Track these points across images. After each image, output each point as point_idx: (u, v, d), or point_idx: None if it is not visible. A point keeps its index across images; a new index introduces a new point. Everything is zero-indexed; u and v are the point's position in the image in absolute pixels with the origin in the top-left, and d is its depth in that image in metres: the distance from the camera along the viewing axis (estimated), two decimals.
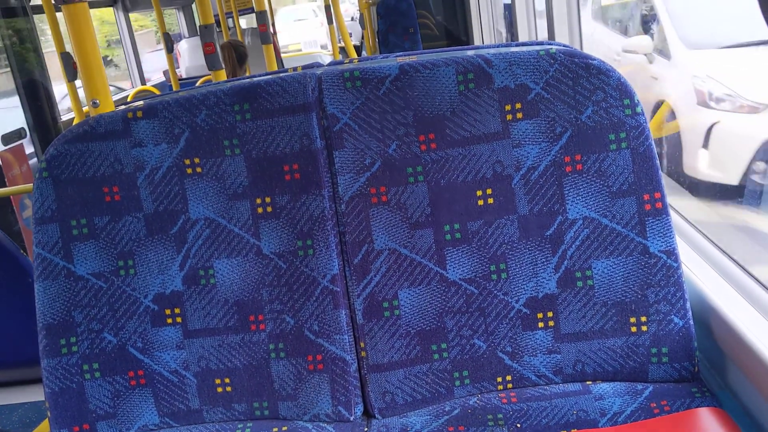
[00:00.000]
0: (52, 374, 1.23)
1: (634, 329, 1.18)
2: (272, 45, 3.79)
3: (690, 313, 1.17)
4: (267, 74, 1.28)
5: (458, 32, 6.33)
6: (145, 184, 1.22)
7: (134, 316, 1.23)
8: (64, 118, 5.25)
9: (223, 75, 2.82)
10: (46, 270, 1.22)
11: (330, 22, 6.30)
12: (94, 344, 1.23)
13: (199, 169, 1.21)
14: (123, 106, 1.27)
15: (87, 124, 1.23)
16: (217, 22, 6.02)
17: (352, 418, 1.23)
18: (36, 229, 1.22)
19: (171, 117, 1.21)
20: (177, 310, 1.23)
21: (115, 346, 1.24)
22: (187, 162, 1.21)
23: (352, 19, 12.69)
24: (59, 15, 3.97)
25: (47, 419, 2.52)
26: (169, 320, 1.24)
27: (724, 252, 1.34)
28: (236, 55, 4.58)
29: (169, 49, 5.68)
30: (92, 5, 6.64)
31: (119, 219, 1.22)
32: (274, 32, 7.47)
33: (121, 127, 1.21)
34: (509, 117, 1.18)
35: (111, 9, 7.23)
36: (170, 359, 1.24)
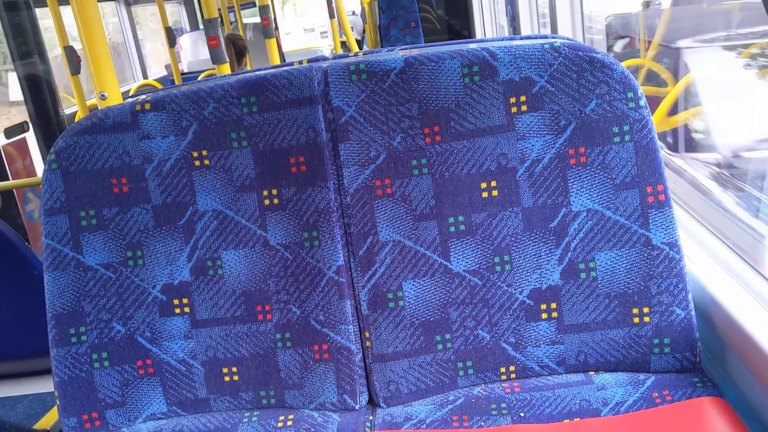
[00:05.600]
0: (62, 363, 1.25)
1: (636, 320, 1.19)
2: (275, 39, 3.80)
3: (692, 304, 1.19)
4: (273, 67, 1.29)
5: (460, 26, 6.33)
6: (154, 176, 1.23)
7: (142, 306, 1.25)
8: (67, 111, 5.26)
9: (227, 68, 2.83)
10: (55, 260, 1.24)
11: (332, 16, 6.31)
12: (102, 334, 1.25)
13: (206, 162, 1.23)
14: (130, 99, 1.28)
15: (95, 116, 1.24)
16: (219, 17, 6.02)
17: (357, 407, 1.25)
18: (45, 220, 1.23)
19: (179, 110, 1.22)
20: (185, 300, 1.25)
21: (123, 335, 1.25)
22: (195, 154, 1.23)
23: (354, 13, 12.68)
24: (62, 8, 3.97)
25: (51, 411, 2.53)
26: (177, 310, 1.25)
27: (726, 244, 1.35)
28: (235, 50, 4.58)
29: (172, 43, 5.68)
30: None
31: (128, 210, 1.23)
32: (276, 27, 7.47)
33: (129, 119, 1.22)
34: (514, 110, 1.19)
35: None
36: (178, 349, 1.26)
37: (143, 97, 1.26)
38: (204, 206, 1.23)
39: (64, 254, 1.24)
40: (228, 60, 4.37)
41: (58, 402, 1.26)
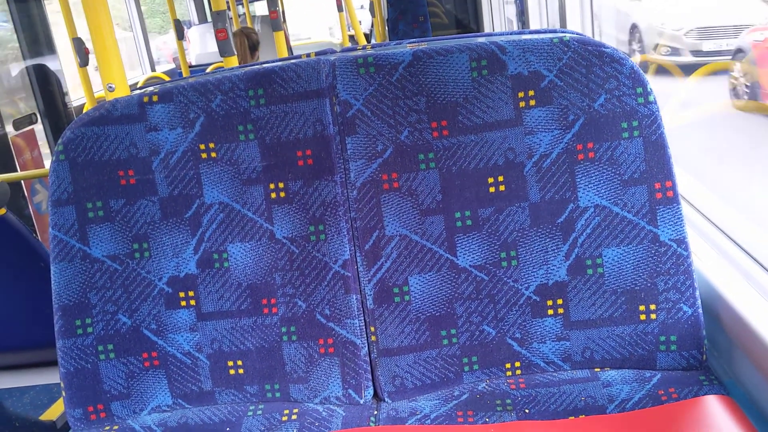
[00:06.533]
0: (67, 355, 1.25)
1: (643, 317, 1.19)
2: (283, 32, 3.80)
3: (699, 301, 1.18)
4: (281, 60, 1.29)
5: (468, 20, 6.30)
6: (161, 168, 1.23)
7: (148, 298, 1.25)
8: (75, 104, 5.27)
9: (234, 61, 2.83)
10: (62, 252, 1.24)
11: (340, 9, 6.29)
12: (108, 325, 1.25)
13: (213, 154, 1.23)
14: (138, 91, 1.28)
15: (103, 107, 1.24)
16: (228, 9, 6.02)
17: (362, 401, 1.25)
18: (52, 211, 1.24)
19: (186, 102, 1.22)
20: (191, 293, 1.25)
21: (129, 327, 1.25)
22: (202, 147, 1.22)
23: (362, 7, 12.66)
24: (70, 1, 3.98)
25: (57, 402, 2.55)
26: (183, 303, 1.25)
27: (733, 241, 1.34)
28: (248, 43, 4.61)
29: (180, 35, 5.69)
30: None
31: (134, 202, 1.24)
32: (284, 20, 7.47)
33: (136, 111, 1.22)
34: (522, 104, 1.18)
35: None
36: (183, 341, 1.26)
37: (151, 88, 1.25)
38: (210, 199, 1.23)
39: (71, 246, 1.24)
40: (235, 53, 4.38)
41: (63, 393, 1.26)
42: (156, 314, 1.25)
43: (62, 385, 1.26)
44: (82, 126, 1.23)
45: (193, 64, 7.12)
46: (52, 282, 1.24)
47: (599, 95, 1.16)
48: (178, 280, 1.25)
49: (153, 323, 1.25)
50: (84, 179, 1.23)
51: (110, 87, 1.56)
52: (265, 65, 1.25)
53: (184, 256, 1.24)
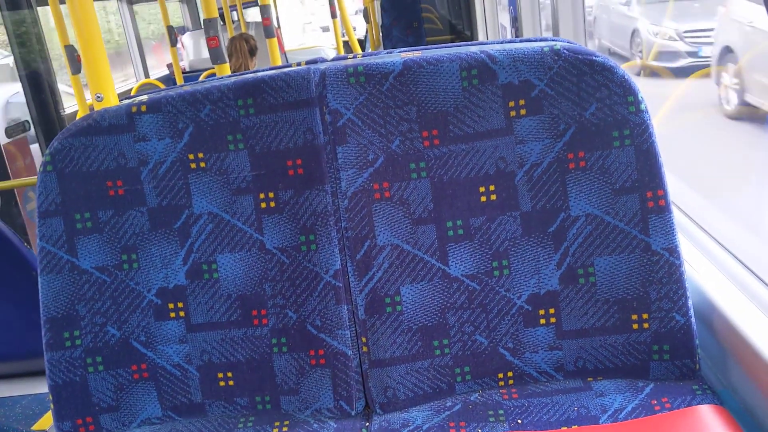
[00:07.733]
0: (56, 367, 1.24)
1: (635, 326, 1.18)
2: (276, 39, 3.80)
3: (691, 310, 1.17)
4: (271, 69, 1.28)
5: (462, 26, 6.31)
6: (149, 179, 1.22)
7: (137, 309, 1.24)
8: (68, 111, 5.26)
9: (226, 69, 2.82)
10: (50, 263, 1.23)
11: (334, 16, 6.30)
12: (97, 338, 1.24)
13: (202, 164, 1.22)
14: (127, 100, 1.27)
15: (91, 117, 1.23)
16: (221, 16, 6.03)
17: (353, 413, 1.24)
18: (40, 222, 1.23)
19: (175, 111, 1.21)
20: (180, 305, 1.24)
21: (118, 339, 1.24)
22: (191, 157, 1.22)
23: (356, 12, 12.68)
24: (63, 8, 3.97)
25: (50, 411, 2.53)
26: (172, 314, 1.24)
27: (726, 249, 1.34)
28: (248, 48, 4.65)
29: (173, 42, 5.69)
30: None
31: (123, 213, 1.23)
32: (278, 26, 7.47)
33: (125, 121, 1.22)
34: (513, 113, 1.18)
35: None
36: (173, 353, 1.25)
37: (139, 98, 1.25)
38: (200, 209, 1.23)
39: (59, 257, 1.23)
40: (236, 59, 4.40)
41: (52, 407, 1.25)
42: (145, 326, 1.24)
43: (50, 397, 1.25)
44: (69, 137, 1.22)
45: (187, 69, 7.12)
46: (40, 294, 1.23)
47: (590, 104, 1.16)
48: (167, 291, 1.24)
49: (142, 335, 1.24)
50: (72, 190, 1.22)
51: (98, 97, 1.56)
52: (254, 74, 1.24)
53: (173, 267, 1.23)
